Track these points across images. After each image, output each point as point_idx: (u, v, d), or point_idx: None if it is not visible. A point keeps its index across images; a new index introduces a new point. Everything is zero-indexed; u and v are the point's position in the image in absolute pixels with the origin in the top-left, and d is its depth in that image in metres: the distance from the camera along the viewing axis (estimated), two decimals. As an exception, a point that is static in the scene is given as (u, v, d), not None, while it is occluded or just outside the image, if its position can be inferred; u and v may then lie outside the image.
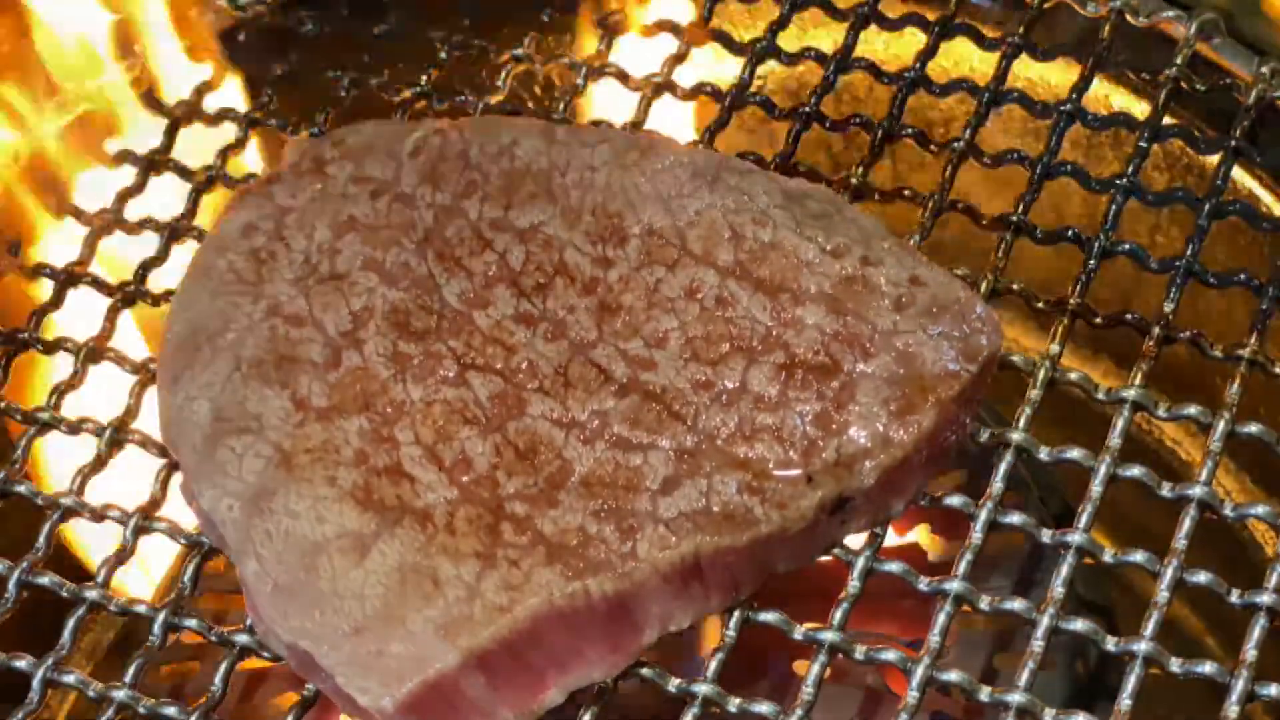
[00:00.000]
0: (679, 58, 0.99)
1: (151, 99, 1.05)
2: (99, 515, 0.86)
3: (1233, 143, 0.91)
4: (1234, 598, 0.77)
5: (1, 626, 0.84)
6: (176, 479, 0.84)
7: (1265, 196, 1.00)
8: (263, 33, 1.09)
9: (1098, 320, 0.86)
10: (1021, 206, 0.89)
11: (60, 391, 0.91)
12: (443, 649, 0.72)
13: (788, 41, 0.99)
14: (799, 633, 0.77)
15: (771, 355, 0.78)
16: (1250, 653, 0.74)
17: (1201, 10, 0.95)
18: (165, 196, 1.01)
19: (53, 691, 0.83)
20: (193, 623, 0.82)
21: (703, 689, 0.76)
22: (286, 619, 0.75)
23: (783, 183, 0.84)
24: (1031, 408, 0.82)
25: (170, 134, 1.03)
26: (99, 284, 0.96)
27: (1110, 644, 0.76)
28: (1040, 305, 0.87)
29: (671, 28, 1.01)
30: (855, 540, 0.79)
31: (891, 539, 0.82)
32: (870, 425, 0.76)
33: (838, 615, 0.77)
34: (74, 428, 0.90)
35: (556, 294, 0.81)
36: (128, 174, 1.02)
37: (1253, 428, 0.81)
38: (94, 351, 0.92)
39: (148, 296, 0.95)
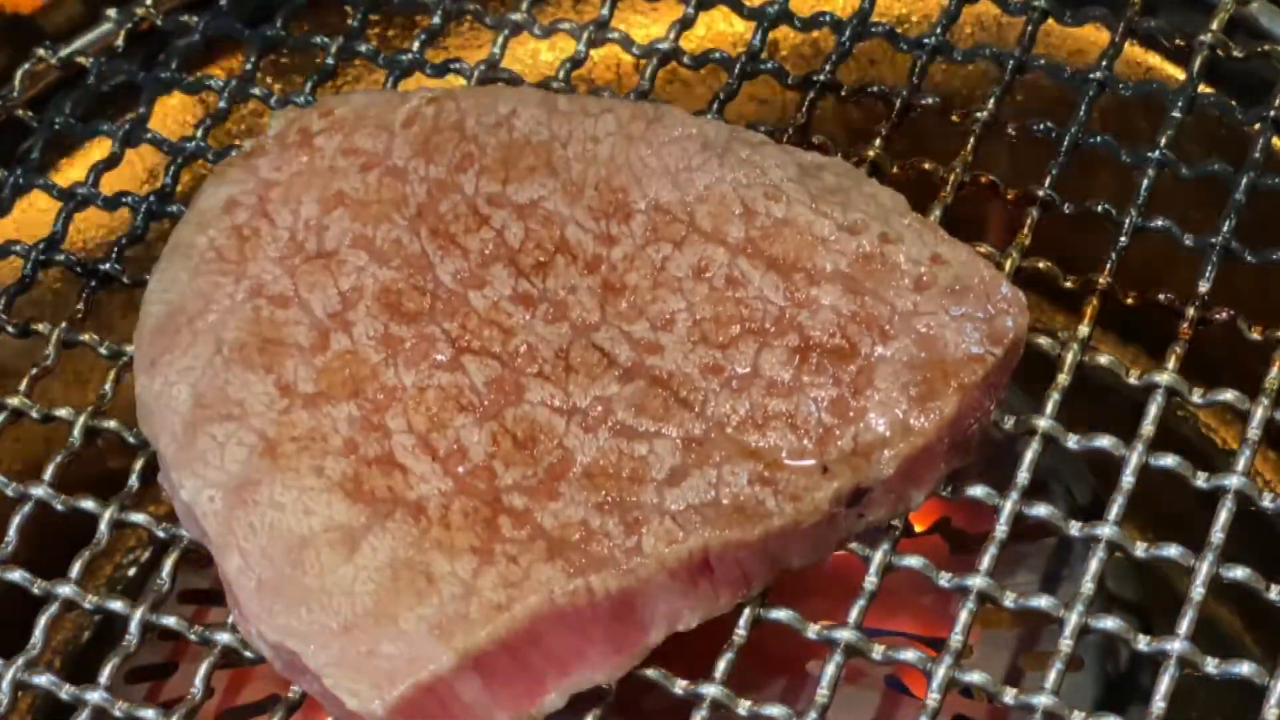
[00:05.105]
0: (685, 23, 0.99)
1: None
2: (73, 507, 0.86)
3: (1272, 113, 0.91)
4: (1273, 594, 0.76)
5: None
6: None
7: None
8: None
9: (1129, 301, 0.86)
10: (1049, 180, 0.89)
11: (33, 377, 0.91)
12: (437, 649, 0.72)
13: (800, 5, 0.99)
14: (813, 631, 0.77)
15: (784, 338, 0.78)
16: (1291, 653, 0.75)
17: (1239, -28, 0.95)
18: (143, 170, 1.01)
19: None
20: (172, 621, 0.82)
21: (711, 690, 0.76)
22: (271, 617, 0.74)
23: (797, 155, 0.83)
24: (1060, 393, 0.82)
25: (148, 103, 1.03)
26: (73, 263, 0.96)
27: (1142, 643, 0.76)
28: (1068, 285, 0.87)
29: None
30: (872, 533, 0.79)
31: (911, 532, 0.82)
32: (889, 412, 0.76)
33: (854, 613, 0.77)
34: (46, 415, 0.90)
35: (557, 273, 0.81)
36: (103, 145, 1.02)
37: (1292, 414, 0.81)
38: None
39: (124, 276, 0.95)
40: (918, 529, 0.99)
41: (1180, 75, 0.95)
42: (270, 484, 0.77)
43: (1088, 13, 0.97)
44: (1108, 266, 0.86)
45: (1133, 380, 0.82)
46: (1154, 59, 1.05)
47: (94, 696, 0.80)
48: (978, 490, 0.80)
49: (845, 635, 0.77)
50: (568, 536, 0.74)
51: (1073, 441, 0.81)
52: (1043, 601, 0.77)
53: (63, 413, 0.89)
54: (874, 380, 0.77)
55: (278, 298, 0.82)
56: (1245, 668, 0.74)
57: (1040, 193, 0.89)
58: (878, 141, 0.92)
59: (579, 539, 0.74)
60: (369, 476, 0.76)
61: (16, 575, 0.84)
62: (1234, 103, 0.94)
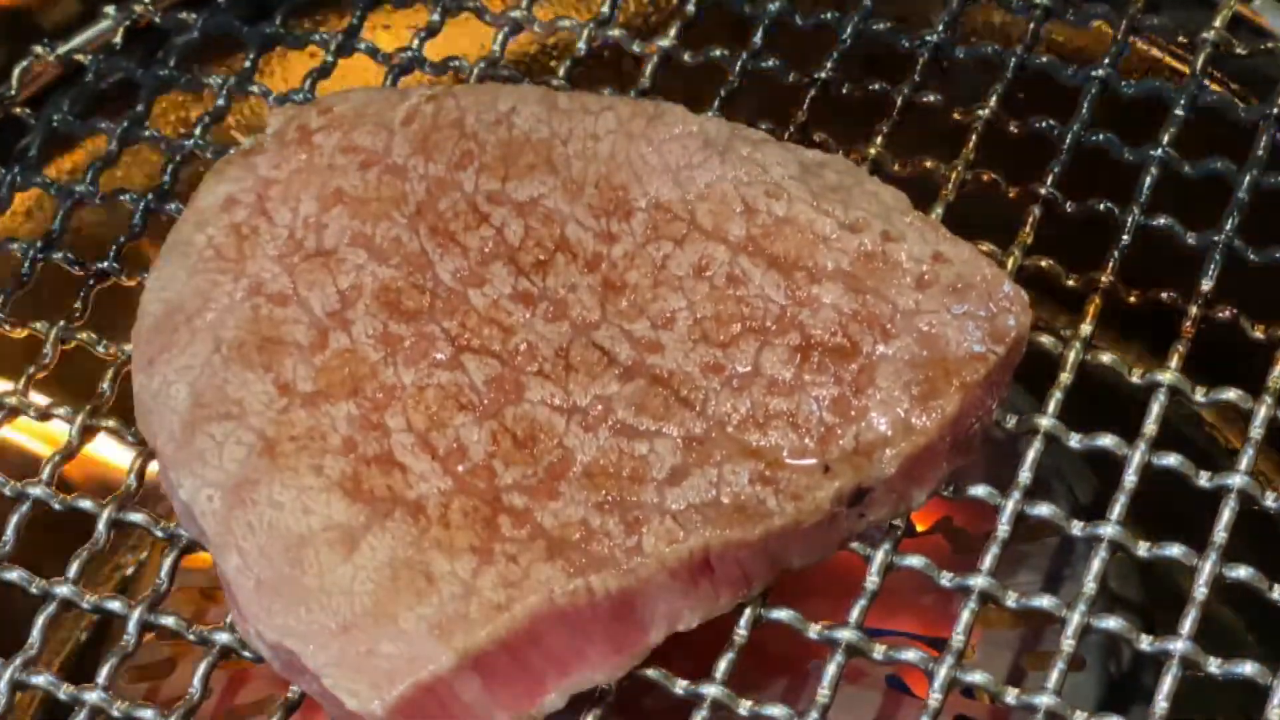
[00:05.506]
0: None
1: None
2: (70, 507, 0.86)
3: (1275, 110, 0.91)
4: (1276, 594, 0.76)
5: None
6: (153, 468, 0.83)
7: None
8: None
9: (1132, 299, 0.86)
10: (1051, 178, 0.89)
11: (30, 375, 0.91)
12: (436, 649, 0.72)
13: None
14: (814, 631, 0.77)
15: (786, 337, 0.78)
16: (1294, 653, 0.74)
17: (1241, -32, 0.95)
18: (141, 168, 1.01)
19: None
20: (170, 621, 0.82)
21: (712, 691, 0.76)
22: (270, 616, 0.74)
23: (798, 153, 0.83)
24: (1062, 392, 0.82)
25: (147, 101, 1.03)
26: (71, 261, 0.96)
27: (1145, 643, 0.75)
28: (1071, 283, 0.87)
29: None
30: (873, 533, 0.79)
31: (912, 532, 0.82)
32: (891, 411, 0.76)
33: (855, 613, 0.77)
34: (44, 413, 0.90)
35: (557, 271, 0.81)
36: (101, 143, 1.02)
37: (1296, 413, 0.81)
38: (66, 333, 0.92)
39: (122, 274, 0.95)
40: (919, 528, 0.99)
41: (1184, 72, 0.95)
42: (269, 483, 0.76)
43: (1091, 10, 0.97)
44: (1110, 265, 0.86)
45: (1135, 379, 0.82)
46: (1157, 56, 1.05)
47: (92, 696, 0.80)
48: (980, 489, 0.79)
49: (846, 635, 0.77)
50: (568, 536, 0.74)
51: (1075, 440, 0.80)
52: (1045, 601, 0.77)
53: (61, 412, 0.89)
54: (876, 379, 0.77)
55: (276, 296, 0.82)
56: (1248, 668, 0.74)
57: (1042, 191, 0.89)
58: (879, 139, 0.92)
59: (579, 538, 0.74)
60: (368, 475, 0.76)
61: (14, 575, 0.84)
62: (1237, 100, 0.94)
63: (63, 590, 0.83)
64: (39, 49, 1.06)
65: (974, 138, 0.91)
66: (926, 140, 0.94)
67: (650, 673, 0.76)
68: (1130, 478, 0.79)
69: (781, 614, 0.78)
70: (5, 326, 0.94)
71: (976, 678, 0.75)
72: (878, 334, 0.77)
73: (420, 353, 0.79)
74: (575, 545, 0.74)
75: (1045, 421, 0.80)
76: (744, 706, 0.76)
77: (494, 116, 0.86)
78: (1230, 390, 0.81)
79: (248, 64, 1.03)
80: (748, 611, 0.77)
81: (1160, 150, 0.89)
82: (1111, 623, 0.76)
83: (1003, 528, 0.78)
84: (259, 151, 0.87)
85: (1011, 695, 0.75)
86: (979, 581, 0.77)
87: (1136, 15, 0.95)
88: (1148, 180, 0.89)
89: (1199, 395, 0.82)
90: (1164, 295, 0.86)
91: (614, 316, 0.79)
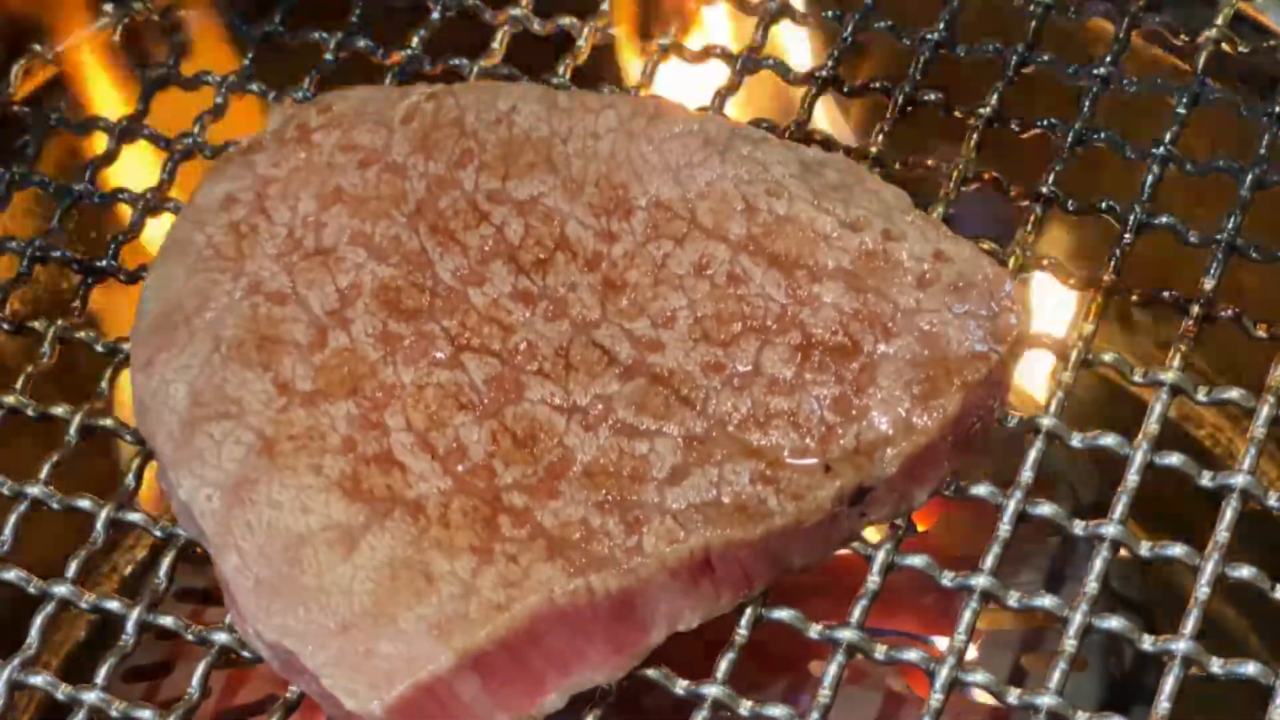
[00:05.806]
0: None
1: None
2: (69, 506, 0.86)
3: (1277, 108, 0.91)
4: (1279, 594, 0.76)
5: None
6: (152, 468, 0.83)
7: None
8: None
9: (1134, 298, 0.86)
10: (1052, 177, 0.89)
11: (30, 374, 0.91)
12: (436, 649, 0.72)
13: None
14: (815, 631, 0.77)
15: (787, 336, 0.78)
16: (1296, 653, 0.74)
17: (1244, -34, 0.95)
18: (139, 166, 1.01)
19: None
20: (169, 620, 0.82)
21: (712, 691, 0.76)
22: (269, 616, 0.74)
23: (799, 152, 0.83)
24: (1064, 391, 0.81)
25: (145, 99, 1.03)
26: (71, 260, 0.96)
27: (1147, 643, 0.75)
28: (1072, 282, 0.87)
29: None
30: (875, 533, 0.79)
31: (914, 531, 0.82)
32: (892, 410, 0.76)
33: (856, 612, 0.77)
34: (43, 413, 0.90)
35: (557, 270, 0.81)
36: (99, 141, 1.02)
37: (1298, 412, 0.81)
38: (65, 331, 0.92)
39: (120, 273, 0.95)
40: (920, 528, 0.99)
41: (1186, 71, 0.95)
42: (268, 483, 0.76)
43: (1092, 8, 0.97)
44: (1112, 263, 0.86)
45: (1138, 378, 0.82)
46: (1159, 54, 1.05)
47: (90, 697, 0.80)
48: (981, 489, 0.79)
49: (847, 635, 0.76)
50: (568, 535, 0.74)
51: (1077, 440, 0.80)
52: (1046, 601, 0.77)
53: (59, 411, 0.89)
54: (877, 378, 0.76)
55: (275, 295, 0.82)
56: (1251, 668, 0.74)
57: (1044, 189, 0.89)
58: (880, 137, 0.92)
59: (579, 538, 0.74)
60: (367, 475, 0.76)
61: (13, 574, 0.84)
62: (1239, 98, 0.93)
63: (61, 590, 0.83)
64: (37, 47, 1.06)
65: (975, 136, 0.91)
66: (927, 139, 0.94)
67: (650, 673, 0.76)
68: (1132, 477, 0.79)
69: (782, 614, 0.78)
70: (4, 326, 0.94)
71: (978, 678, 0.75)
72: (879, 333, 0.77)
73: (420, 352, 0.79)
74: (575, 545, 0.74)
75: (1047, 421, 0.80)
76: (745, 706, 0.75)
77: (494, 115, 0.85)
78: (1233, 389, 0.81)
79: (247, 62, 1.03)
80: (748, 611, 0.77)
81: (1162, 148, 0.89)
82: (1113, 622, 0.76)
83: (1004, 527, 0.78)
84: (258, 150, 0.87)
85: (1013, 695, 0.75)
86: (980, 581, 0.77)
87: (1138, 13, 0.95)
88: (1149, 178, 0.88)
89: (1201, 394, 0.82)
90: (1166, 294, 0.86)
91: (614, 315, 0.79)
